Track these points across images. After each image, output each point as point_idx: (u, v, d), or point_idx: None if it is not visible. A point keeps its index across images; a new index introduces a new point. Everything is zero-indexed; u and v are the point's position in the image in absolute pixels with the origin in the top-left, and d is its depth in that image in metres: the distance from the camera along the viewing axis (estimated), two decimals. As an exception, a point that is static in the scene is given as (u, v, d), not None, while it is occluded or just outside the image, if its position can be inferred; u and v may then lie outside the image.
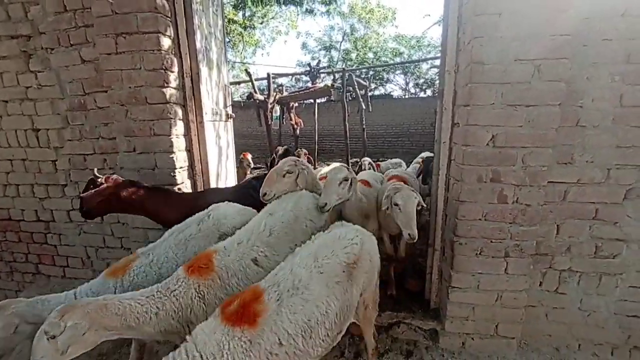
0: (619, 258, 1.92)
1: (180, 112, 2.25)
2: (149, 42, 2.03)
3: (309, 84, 8.75)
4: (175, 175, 2.23)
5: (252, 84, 6.60)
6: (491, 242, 1.90)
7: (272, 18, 15.75)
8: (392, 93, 16.51)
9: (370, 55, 16.86)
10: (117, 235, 2.58)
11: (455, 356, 2.07)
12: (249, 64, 14.18)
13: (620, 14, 1.64)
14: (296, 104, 8.39)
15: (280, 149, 4.16)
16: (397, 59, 15.79)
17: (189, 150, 2.38)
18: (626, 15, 1.64)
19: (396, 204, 1.93)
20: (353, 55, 17.14)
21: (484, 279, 1.96)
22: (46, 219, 2.71)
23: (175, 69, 2.19)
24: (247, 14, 14.11)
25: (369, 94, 10.50)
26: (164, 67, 2.08)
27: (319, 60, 10.20)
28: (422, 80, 16.37)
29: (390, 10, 16.63)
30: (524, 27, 1.62)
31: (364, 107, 6.45)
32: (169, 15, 2.12)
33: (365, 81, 8.29)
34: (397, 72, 16.56)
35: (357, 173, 2.95)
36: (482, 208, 1.86)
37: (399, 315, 2.28)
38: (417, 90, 16.67)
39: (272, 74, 7.38)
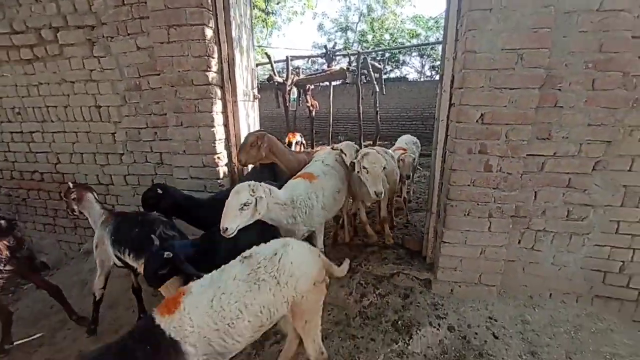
0: (586, 221, 2.26)
1: (219, 92, 2.68)
2: (195, 32, 2.44)
3: (325, 66, 8.99)
4: (215, 146, 2.68)
5: (272, 66, 6.93)
6: (477, 204, 2.27)
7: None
8: (407, 76, 16.43)
9: (387, 36, 16.71)
10: (165, 197, 3.09)
11: (445, 300, 2.49)
12: (266, 47, 14.39)
13: (595, 8, 1.92)
14: (312, 87, 8.67)
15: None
16: (414, 41, 15.60)
17: (226, 125, 2.82)
18: (600, 10, 1.91)
19: (364, 167, 2.34)
20: (369, 37, 17.03)
21: (470, 235, 2.35)
22: (106, 183, 3.25)
23: (216, 55, 2.60)
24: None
25: (384, 76, 10.64)
26: (207, 54, 2.49)
27: (335, 43, 10.34)
28: (438, 63, 16.17)
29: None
30: (511, 21, 1.93)
31: (377, 90, 6.71)
32: (211, 9, 2.51)
33: (380, 64, 8.46)
34: (413, 54, 16.39)
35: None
36: (471, 175, 2.23)
37: (399, 267, 2.72)
38: (433, 73, 16.51)
39: (290, 56, 7.68)
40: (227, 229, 1.70)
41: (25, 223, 3.77)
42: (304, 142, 3.79)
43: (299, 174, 2.41)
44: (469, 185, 2.25)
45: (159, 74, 2.64)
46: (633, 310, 2.35)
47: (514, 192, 2.21)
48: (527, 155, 2.17)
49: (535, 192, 2.29)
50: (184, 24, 2.42)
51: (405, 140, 4.33)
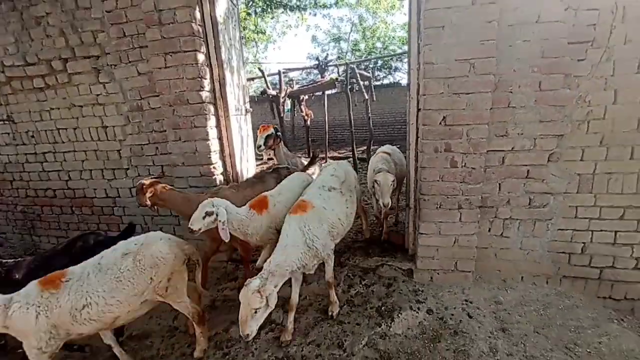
0: (547, 207, 2.50)
1: (212, 109, 2.98)
2: (189, 58, 2.75)
3: (319, 77, 9.36)
4: (211, 157, 2.96)
5: (265, 81, 7.28)
6: (447, 197, 2.52)
7: (282, 13, 16.33)
8: (400, 81, 16.80)
9: (379, 45, 17.16)
10: (168, 206, 3.37)
11: (425, 286, 2.72)
12: (261, 63, 14.88)
13: (535, 20, 2.19)
14: (306, 97, 9.01)
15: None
16: (406, 47, 16.00)
17: (220, 138, 3.10)
18: (539, 22, 2.19)
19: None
20: (362, 46, 17.50)
21: (444, 226, 2.59)
22: (113, 195, 3.54)
23: (208, 76, 2.91)
24: (258, 11, 14.77)
25: (376, 83, 10.96)
26: (200, 76, 2.79)
27: (327, 54, 10.74)
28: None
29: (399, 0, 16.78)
30: (461, 35, 2.21)
31: (367, 97, 7.01)
32: (202, 37, 2.82)
33: (369, 72, 8.79)
34: (404, 60, 16.78)
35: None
36: (439, 172, 2.49)
37: (383, 260, 2.96)
38: (427, 77, 16.83)
39: (283, 69, 8.04)
40: (192, 230, 2.08)
41: (40, 237, 4.06)
42: (279, 136, 3.41)
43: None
44: (438, 180, 2.50)
45: (158, 96, 2.95)
46: (597, 287, 2.57)
47: (479, 185, 2.46)
48: (488, 151, 2.43)
49: (499, 183, 2.53)
50: (179, 51, 2.73)
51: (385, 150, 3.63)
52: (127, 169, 3.39)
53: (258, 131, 3.42)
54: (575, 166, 2.40)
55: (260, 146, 3.33)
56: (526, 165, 2.45)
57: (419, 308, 2.49)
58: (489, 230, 2.65)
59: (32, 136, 3.61)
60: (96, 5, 2.98)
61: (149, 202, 2.52)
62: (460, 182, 2.47)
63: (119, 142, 3.33)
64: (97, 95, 3.24)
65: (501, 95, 2.35)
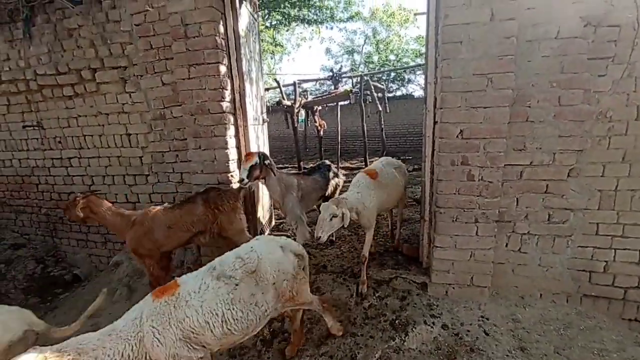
0: (567, 223, 2.45)
1: (232, 119, 3.07)
2: (211, 69, 2.85)
3: (332, 88, 9.50)
4: (229, 165, 3.03)
5: (281, 91, 7.43)
6: (464, 211, 2.50)
7: (297, 25, 16.75)
8: (413, 93, 16.85)
9: (392, 57, 17.32)
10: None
11: (440, 301, 2.68)
12: (277, 73, 15.22)
13: (554, 36, 2.21)
14: (320, 108, 9.14)
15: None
16: (419, 60, 16.12)
17: (238, 147, 3.18)
18: (558, 38, 2.20)
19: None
20: (375, 58, 17.69)
21: (459, 239, 2.56)
22: (133, 201, 3.64)
23: (229, 87, 3.00)
24: (273, 22, 15.20)
25: (389, 95, 11.04)
26: (221, 87, 2.89)
27: (341, 66, 10.90)
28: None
29: (411, 13, 17.00)
30: (479, 50, 2.24)
31: (380, 109, 7.06)
32: (225, 49, 2.93)
33: (382, 84, 8.87)
34: (418, 72, 16.87)
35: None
36: (456, 185, 2.48)
37: (397, 272, 2.93)
38: (440, 89, 16.85)
39: (298, 80, 8.21)
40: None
41: (61, 239, 4.19)
42: (271, 163, 2.82)
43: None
44: (454, 193, 2.49)
45: (180, 105, 3.06)
46: (621, 308, 2.48)
47: (496, 199, 2.44)
48: (505, 165, 2.42)
49: (517, 198, 2.50)
50: (202, 63, 2.84)
51: (383, 162, 3.26)
52: (148, 175, 3.50)
53: (242, 162, 2.81)
54: (596, 182, 2.36)
55: (243, 180, 2.67)
56: (545, 180, 2.42)
57: (433, 323, 2.45)
58: (506, 245, 2.61)
59: (59, 142, 3.78)
60: (126, 19, 3.14)
61: (81, 215, 2.63)
62: (477, 196, 2.45)
63: (142, 149, 3.45)
64: (123, 104, 3.38)
65: (519, 109, 2.35)
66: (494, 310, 2.55)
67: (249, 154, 2.75)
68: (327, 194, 3.51)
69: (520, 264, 2.61)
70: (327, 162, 3.79)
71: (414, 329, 2.39)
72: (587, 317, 2.47)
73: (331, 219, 2.41)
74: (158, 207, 2.78)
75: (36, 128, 3.80)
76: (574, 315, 2.49)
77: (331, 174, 3.59)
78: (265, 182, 2.91)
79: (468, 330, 2.37)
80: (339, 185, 3.75)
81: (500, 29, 2.17)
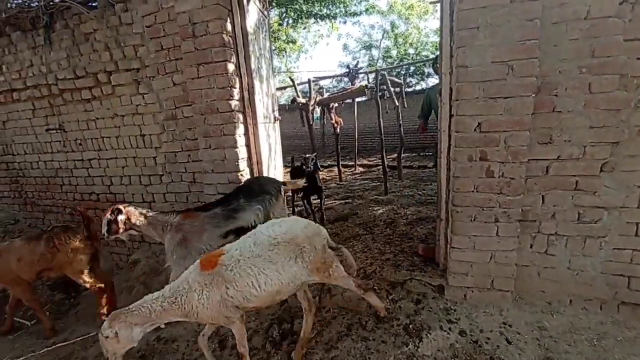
0: (600, 223, 2.22)
1: (241, 117, 3.03)
2: (219, 68, 2.83)
3: (349, 85, 9.34)
4: (239, 164, 3.01)
5: (295, 89, 7.38)
6: (483, 209, 2.34)
7: (314, 22, 16.62)
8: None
9: (411, 51, 16.85)
10: (197, 211, 3.47)
11: (457, 305, 2.53)
12: (292, 72, 15.19)
13: (583, 17, 1.99)
14: (336, 104, 9.01)
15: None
16: (438, 52, 15.57)
17: (248, 145, 3.15)
18: (589, 18, 1.99)
19: None
20: (394, 53, 17.27)
21: (478, 240, 2.39)
22: (149, 200, 3.71)
23: (237, 85, 2.97)
24: (290, 22, 15.16)
25: (408, 89, 10.71)
26: (229, 85, 2.86)
27: (358, 61, 10.71)
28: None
29: (431, 4, 16.42)
30: (498, 36, 2.06)
31: (397, 104, 6.85)
32: (232, 47, 2.90)
33: (400, 78, 8.62)
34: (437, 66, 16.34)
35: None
36: (474, 182, 2.31)
37: (412, 274, 2.80)
38: (462, 82, 16.19)
39: (314, 77, 8.13)
40: None
41: (84, 238, 4.35)
42: (150, 216, 2.60)
43: None
44: (472, 191, 2.33)
45: (190, 105, 3.06)
46: (665, 318, 2.23)
47: (518, 197, 2.25)
48: (529, 160, 2.22)
49: (543, 195, 2.30)
50: (210, 62, 2.83)
51: (252, 239, 2.01)
52: (162, 175, 3.55)
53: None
54: (634, 177, 2.12)
55: (104, 235, 2.53)
56: (574, 175, 2.21)
57: (450, 328, 2.31)
58: (531, 247, 2.41)
59: (80, 144, 3.91)
60: (137, 21, 3.18)
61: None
62: (497, 194, 2.28)
63: (155, 149, 3.50)
64: (137, 105, 3.44)
65: (544, 98, 2.15)
66: (518, 316, 2.37)
67: (108, 210, 2.56)
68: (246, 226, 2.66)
69: (546, 267, 2.41)
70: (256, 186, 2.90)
71: (428, 335, 2.26)
72: (626, 327, 2.24)
73: (107, 338, 1.74)
74: (17, 239, 2.93)
75: (59, 131, 3.96)
76: (610, 324, 2.26)
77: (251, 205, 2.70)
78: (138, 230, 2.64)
79: (488, 338, 2.21)
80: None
81: (521, 11, 1.99)
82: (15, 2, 3.83)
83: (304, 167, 4.33)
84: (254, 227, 2.44)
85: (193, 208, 2.78)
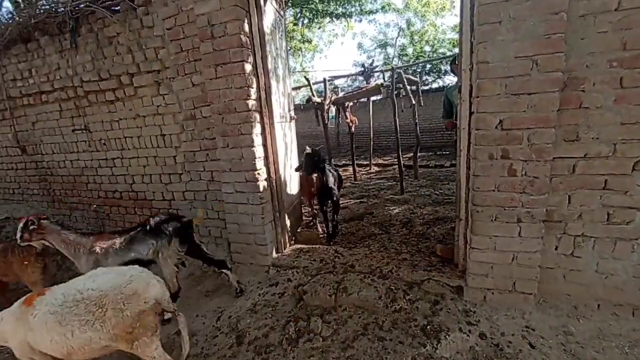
0: (631, 224, 2.12)
1: (258, 116, 3.06)
2: (237, 68, 2.87)
3: (364, 83, 9.28)
4: (255, 163, 3.04)
5: (311, 89, 7.40)
6: (504, 209, 2.27)
7: (330, 22, 16.58)
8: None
9: (427, 48, 16.56)
10: (215, 209, 3.53)
11: (477, 307, 2.46)
12: (307, 71, 15.23)
13: (614, 8, 1.90)
14: (351, 103, 8.98)
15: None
16: (456, 50, 15.23)
17: (264, 144, 3.18)
18: (619, 9, 1.89)
19: None
20: (409, 51, 17.02)
21: (499, 241, 2.33)
22: (169, 199, 3.81)
23: (255, 85, 3.00)
24: (305, 21, 15.18)
25: (425, 87, 10.52)
26: (247, 85, 2.90)
27: (373, 60, 10.62)
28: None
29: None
30: (521, 30, 1.99)
31: (414, 102, 6.75)
32: (250, 47, 2.93)
33: (416, 77, 8.49)
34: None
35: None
36: (495, 181, 2.25)
37: (430, 274, 2.75)
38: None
39: (329, 76, 8.12)
40: None
41: (108, 235, 4.51)
42: (63, 234, 2.70)
43: None
44: (493, 190, 2.27)
45: (209, 105, 3.12)
46: (703, 326, 2.10)
47: (543, 196, 2.17)
48: (554, 158, 2.14)
49: (569, 195, 2.21)
50: (228, 62, 2.87)
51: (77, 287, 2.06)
52: (181, 174, 3.64)
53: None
54: (670, 176, 2.01)
55: (17, 240, 2.70)
56: (603, 174, 2.11)
57: (469, 331, 2.26)
58: (556, 249, 2.32)
59: (104, 144, 4.06)
60: (158, 24, 3.27)
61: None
62: (520, 193, 2.21)
63: (175, 148, 3.58)
64: (158, 106, 3.53)
65: (571, 94, 2.06)
66: (541, 320, 2.29)
67: (23, 219, 2.70)
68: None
69: (573, 270, 2.31)
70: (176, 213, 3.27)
71: (447, 336, 2.22)
72: (660, 334, 2.13)
73: None
74: None
75: (84, 131, 4.11)
76: (642, 330, 2.16)
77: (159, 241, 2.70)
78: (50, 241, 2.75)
79: (510, 342, 2.15)
80: None
81: (546, 4, 1.91)
82: (43, 7, 4.01)
83: (316, 157, 3.66)
84: (152, 261, 2.67)
85: (108, 232, 2.96)
